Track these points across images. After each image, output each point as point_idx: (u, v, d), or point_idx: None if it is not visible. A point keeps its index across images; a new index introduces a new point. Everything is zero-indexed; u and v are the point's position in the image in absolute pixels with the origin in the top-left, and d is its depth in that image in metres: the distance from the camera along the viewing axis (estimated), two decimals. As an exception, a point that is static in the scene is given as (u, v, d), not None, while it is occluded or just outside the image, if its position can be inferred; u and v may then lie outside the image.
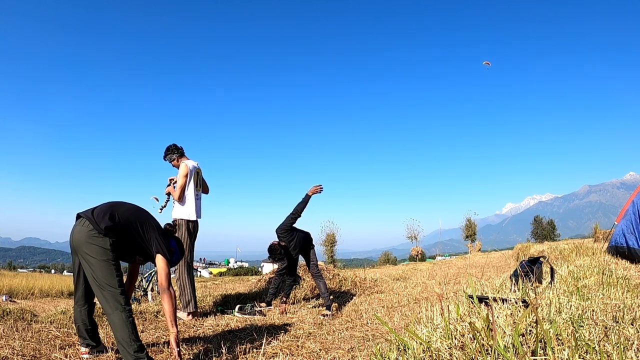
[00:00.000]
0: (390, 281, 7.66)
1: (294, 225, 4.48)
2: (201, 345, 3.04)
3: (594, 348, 1.44)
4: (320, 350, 2.82)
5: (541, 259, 3.90)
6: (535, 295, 2.49)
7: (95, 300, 2.55)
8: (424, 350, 1.63)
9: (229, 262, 55.97)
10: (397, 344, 1.79)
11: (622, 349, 1.42)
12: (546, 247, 10.25)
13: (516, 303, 2.07)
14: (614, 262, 5.29)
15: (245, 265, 50.19)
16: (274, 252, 4.42)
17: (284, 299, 4.81)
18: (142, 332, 3.47)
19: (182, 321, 4.01)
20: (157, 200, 4.47)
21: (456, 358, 1.54)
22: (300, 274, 6.20)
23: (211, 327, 3.75)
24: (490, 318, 1.49)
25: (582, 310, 2.08)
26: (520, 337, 1.54)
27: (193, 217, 4.25)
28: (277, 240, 4.51)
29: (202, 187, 4.45)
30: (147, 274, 7.02)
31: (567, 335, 1.55)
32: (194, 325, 3.82)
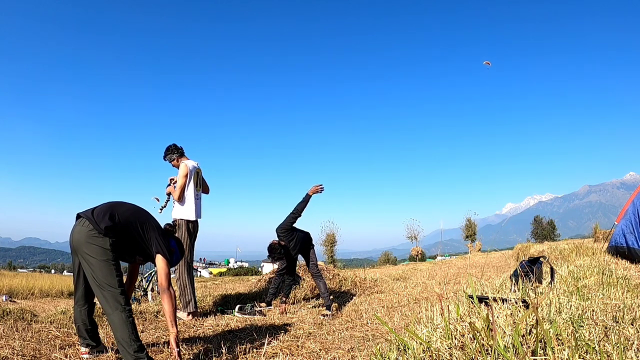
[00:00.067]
0: (390, 281, 7.66)
1: (294, 225, 4.48)
2: (201, 345, 3.04)
3: (594, 348, 1.44)
4: (320, 350, 2.82)
5: (541, 259, 3.90)
6: (535, 295, 2.49)
7: (95, 300, 2.55)
8: (424, 350, 1.63)
9: (229, 262, 55.98)
10: (397, 344, 1.79)
11: (622, 349, 1.42)
12: (546, 247, 10.25)
13: (516, 303, 2.07)
14: (614, 262, 5.29)
15: (245, 265, 50.20)
16: (274, 251, 4.42)
17: (284, 299, 4.81)
18: (142, 332, 3.47)
19: (182, 321, 4.01)
20: (158, 200, 4.46)
21: (456, 358, 1.54)
22: (300, 274, 6.19)
23: (211, 327, 3.75)
24: (490, 318, 1.49)
25: (582, 310, 2.08)
26: (520, 337, 1.54)
27: (193, 217, 4.25)
28: (277, 239, 4.51)
29: (202, 187, 4.45)
30: (147, 274, 7.02)
31: (567, 335, 1.55)
32: (194, 325, 3.82)
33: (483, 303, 2.16)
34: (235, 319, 4.14)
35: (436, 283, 6.82)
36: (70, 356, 2.65)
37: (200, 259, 55.43)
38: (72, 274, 2.62)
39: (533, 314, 1.63)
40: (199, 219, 4.36)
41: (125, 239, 2.46)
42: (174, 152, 4.33)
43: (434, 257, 26.63)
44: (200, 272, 38.66)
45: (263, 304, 5.07)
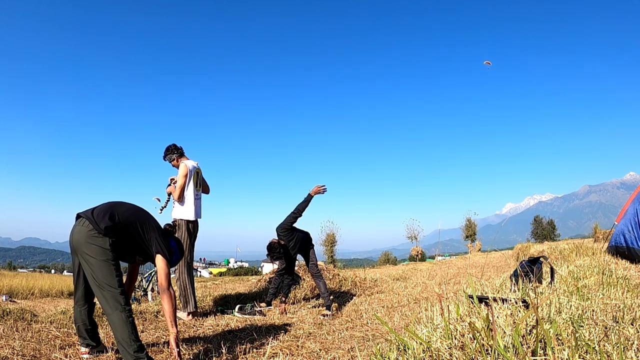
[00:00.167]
0: (390, 281, 7.66)
1: (294, 224, 4.48)
2: (201, 345, 3.04)
3: (594, 348, 1.44)
4: (320, 350, 2.82)
5: (541, 259, 3.90)
6: (536, 295, 2.48)
7: (95, 300, 2.55)
8: (424, 350, 1.63)
9: (229, 262, 55.96)
10: (397, 344, 1.79)
11: (622, 349, 1.42)
12: (546, 247, 10.25)
13: (516, 303, 2.07)
14: (614, 262, 5.29)
15: (245, 265, 50.19)
16: (273, 251, 4.41)
17: (284, 298, 4.81)
18: (142, 332, 3.47)
19: (182, 321, 4.01)
20: (159, 200, 4.46)
21: (456, 358, 1.54)
22: (300, 274, 6.19)
23: (211, 327, 3.75)
24: (490, 318, 1.49)
25: (582, 310, 2.08)
26: (520, 337, 1.54)
27: (192, 217, 4.25)
28: (277, 238, 4.51)
29: (202, 187, 4.45)
30: (147, 274, 7.02)
31: (567, 335, 1.55)
32: (194, 325, 3.82)
33: (483, 303, 2.16)
34: (235, 319, 4.14)
35: (436, 283, 6.82)
36: (70, 356, 2.65)
37: (200, 259, 55.42)
38: (72, 274, 2.62)
39: (533, 314, 1.63)
40: (198, 219, 4.36)
41: (125, 239, 2.46)
42: (174, 152, 4.33)
43: (434, 257, 26.64)
44: (200, 272, 38.66)
45: (263, 304, 5.07)
